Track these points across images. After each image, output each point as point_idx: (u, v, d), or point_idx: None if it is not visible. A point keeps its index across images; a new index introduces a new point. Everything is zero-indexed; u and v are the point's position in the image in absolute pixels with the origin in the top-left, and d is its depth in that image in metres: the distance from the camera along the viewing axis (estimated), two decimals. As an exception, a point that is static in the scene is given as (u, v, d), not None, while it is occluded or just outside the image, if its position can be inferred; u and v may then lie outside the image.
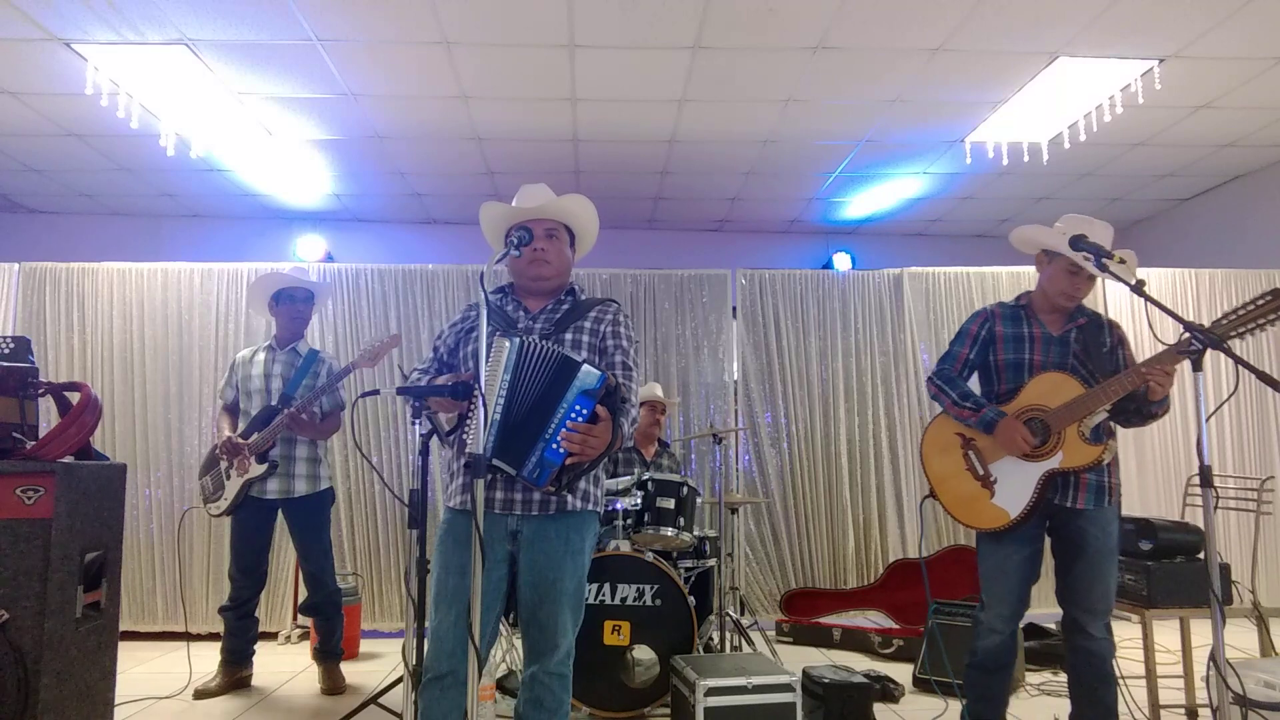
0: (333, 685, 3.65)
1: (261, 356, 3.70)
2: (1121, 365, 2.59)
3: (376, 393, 2.60)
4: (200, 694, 3.53)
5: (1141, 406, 2.49)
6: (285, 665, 3.98)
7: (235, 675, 3.64)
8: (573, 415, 1.97)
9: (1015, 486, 2.53)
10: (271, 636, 4.58)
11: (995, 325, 2.67)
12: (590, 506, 2.18)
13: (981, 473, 2.58)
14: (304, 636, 4.64)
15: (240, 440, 3.54)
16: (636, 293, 5.15)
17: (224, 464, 3.58)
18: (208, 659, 4.00)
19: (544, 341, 2.04)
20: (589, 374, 1.98)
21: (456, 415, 2.16)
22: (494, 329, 2.16)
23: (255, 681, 3.74)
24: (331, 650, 3.72)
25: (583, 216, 2.32)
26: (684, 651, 3.16)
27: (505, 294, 2.33)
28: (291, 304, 3.71)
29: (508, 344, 2.00)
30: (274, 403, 3.58)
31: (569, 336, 2.18)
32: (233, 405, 3.74)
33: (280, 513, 3.64)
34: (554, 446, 1.96)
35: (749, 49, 4.14)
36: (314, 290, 3.80)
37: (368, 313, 5.00)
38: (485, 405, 1.88)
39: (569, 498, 2.12)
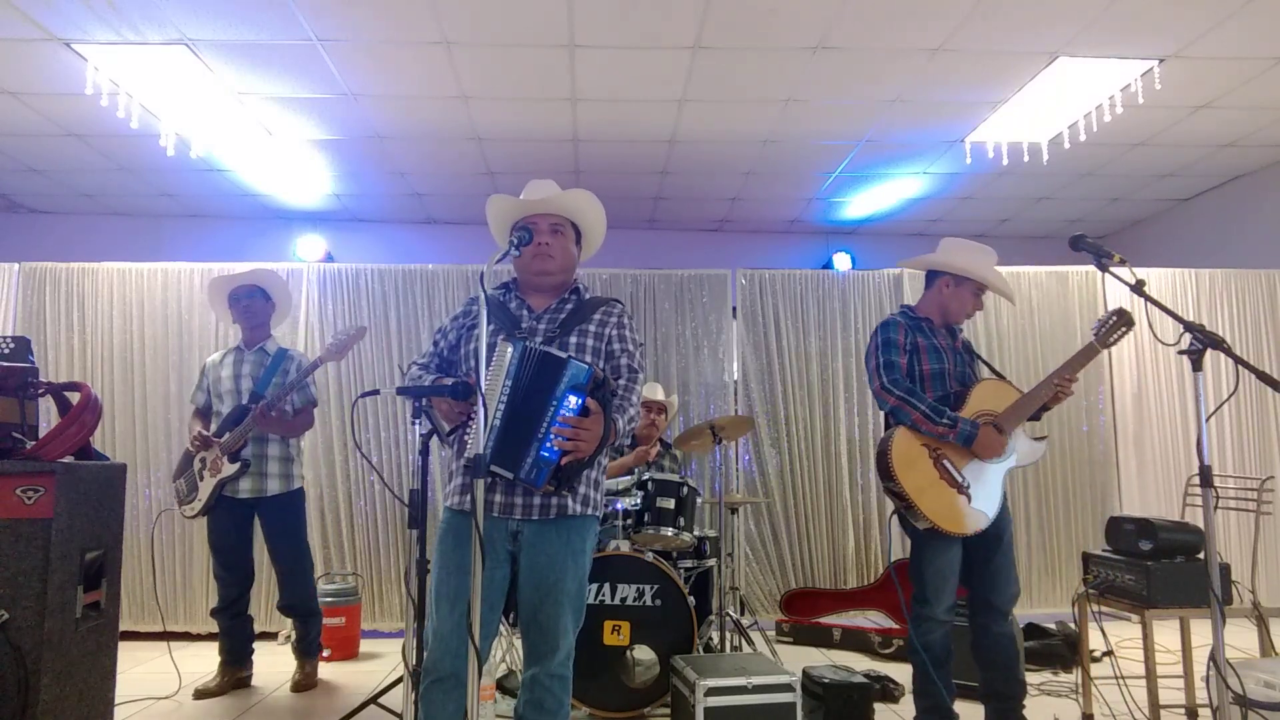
0: (303, 680, 3.67)
1: (231, 358, 3.74)
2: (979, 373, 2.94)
3: (376, 393, 2.60)
4: (200, 694, 3.53)
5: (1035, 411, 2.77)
6: (285, 665, 3.97)
7: (235, 675, 3.65)
8: (563, 411, 1.94)
9: (987, 489, 2.69)
10: (271, 636, 4.58)
11: (915, 336, 2.83)
12: (590, 511, 2.16)
13: (959, 480, 2.68)
14: (304, 636, 4.64)
15: (213, 437, 3.56)
16: (636, 293, 5.15)
17: (197, 465, 3.61)
18: (206, 659, 4.01)
19: (542, 345, 2.03)
20: (576, 368, 1.96)
21: (458, 415, 2.14)
22: (496, 328, 2.15)
23: (255, 681, 3.75)
24: (308, 648, 3.74)
25: (589, 213, 2.29)
26: (684, 651, 3.16)
27: (509, 290, 2.30)
28: (237, 303, 3.73)
29: (510, 348, 1.99)
30: (245, 402, 3.60)
31: (573, 340, 2.16)
32: (204, 408, 3.77)
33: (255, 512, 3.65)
34: (548, 444, 1.94)
35: (749, 49, 4.14)
36: (259, 283, 3.77)
37: (368, 313, 5.00)
38: (486, 407, 1.88)
39: (569, 502, 2.10)
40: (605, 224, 2.34)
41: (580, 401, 1.95)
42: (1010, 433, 2.69)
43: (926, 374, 2.79)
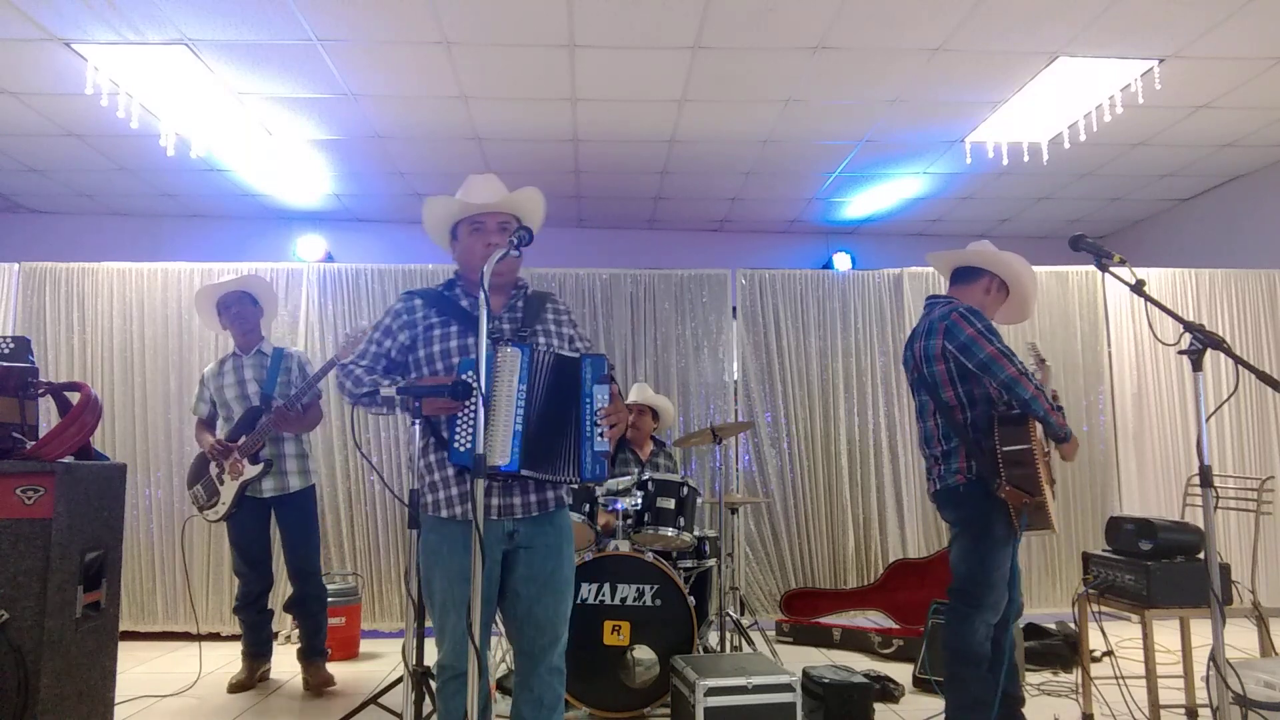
0: (320, 681, 3.66)
1: (230, 365, 3.74)
2: None
3: (376, 392, 2.59)
4: (235, 688, 3.63)
5: None
6: (286, 665, 3.98)
7: (260, 667, 3.75)
8: (596, 404, 2.04)
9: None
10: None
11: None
12: (568, 500, 2.30)
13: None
14: (304, 636, 4.63)
15: (230, 443, 3.58)
16: (636, 293, 5.15)
17: (214, 470, 3.62)
18: (207, 659, 4.01)
19: (547, 349, 2.11)
20: (594, 362, 2.07)
21: (445, 420, 2.10)
22: (463, 328, 2.16)
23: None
24: (317, 649, 3.74)
25: (536, 211, 2.34)
26: (684, 651, 3.15)
27: (453, 287, 2.29)
28: (227, 310, 3.74)
29: (519, 353, 2.01)
30: (255, 405, 3.62)
31: (540, 340, 2.21)
32: (209, 419, 3.77)
33: (272, 509, 3.68)
34: (600, 438, 2.03)
35: (749, 49, 4.14)
36: (246, 289, 3.77)
37: (368, 313, 5.00)
38: (485, 408, 1.87)
39: (562, 493, 2.20)
40: (544, 216, 2.39)
41: (607, 389, 2.06)
42: None
43: None
